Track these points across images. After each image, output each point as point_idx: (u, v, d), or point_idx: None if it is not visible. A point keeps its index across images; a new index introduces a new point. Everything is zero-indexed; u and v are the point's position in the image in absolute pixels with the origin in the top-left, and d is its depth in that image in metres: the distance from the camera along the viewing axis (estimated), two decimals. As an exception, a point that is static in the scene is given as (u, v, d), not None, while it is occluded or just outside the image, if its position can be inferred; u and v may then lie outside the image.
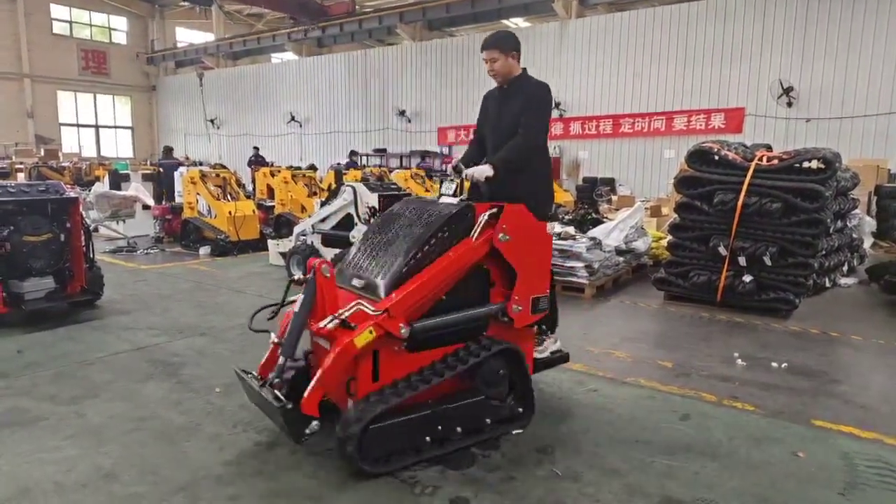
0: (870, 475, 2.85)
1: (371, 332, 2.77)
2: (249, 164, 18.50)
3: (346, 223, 7.13)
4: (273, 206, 11.33)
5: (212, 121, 25.30)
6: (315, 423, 2.76)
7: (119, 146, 28.77)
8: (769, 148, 6.43)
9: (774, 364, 4.38)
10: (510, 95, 3.63)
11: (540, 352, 3.67)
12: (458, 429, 2.97)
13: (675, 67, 15.22)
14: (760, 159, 5.91)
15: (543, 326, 3.72)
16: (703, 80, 14.92)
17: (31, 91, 25.31)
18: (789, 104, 13.78)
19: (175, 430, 3.24)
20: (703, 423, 3.40)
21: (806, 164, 5.82)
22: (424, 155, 19.64)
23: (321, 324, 2.85)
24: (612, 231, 7.16)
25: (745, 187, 5.74)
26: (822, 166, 5.77)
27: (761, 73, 14.04)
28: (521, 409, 3.24)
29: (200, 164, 19.06)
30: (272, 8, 22.48)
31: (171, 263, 8.58)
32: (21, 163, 18.11)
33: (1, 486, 2.68)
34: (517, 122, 3.51)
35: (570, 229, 7.07)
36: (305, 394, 2.75)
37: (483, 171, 3.39)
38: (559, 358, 3.79)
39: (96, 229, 9.63)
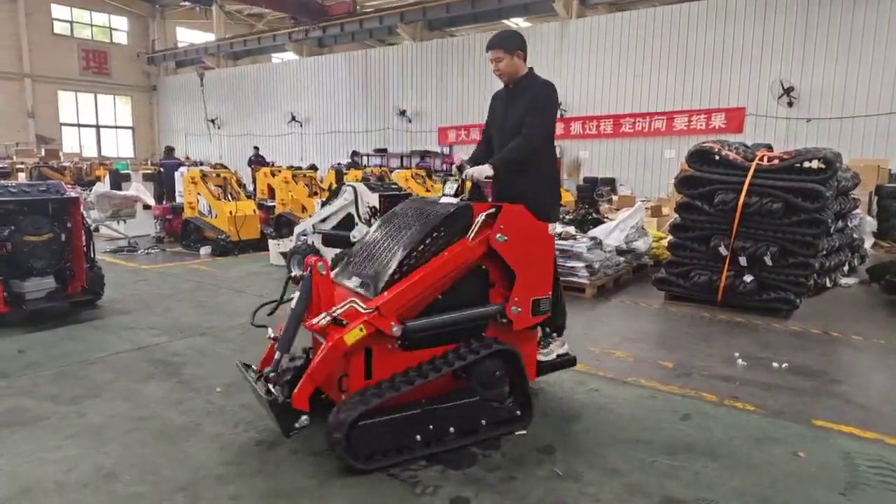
0: (871, 475, 2.85)
1: (361, 329, 2.80)
2: (250, 163, 18.51)
3: (347, 223, 7.13)
4: (274, 206, 11.34)
5: (212, 121, 25.31)
6: (305, 417, 2.80)
7: (120, 146, 28.79)
8: (770, 148, 6.43)
9: (775, 364, 4.38)
10: (516, 95, 3.60)
11: (545, 354, 3.64)
12: (451, 429, 2.97)
13: (676, 67, 15.22)
14: (761, 159, 5.90)
15: (548, 329, 3.68)
16: (703, 80, 14.92)
17: (31, 91, 25.33)
18: (790, 104, 13.77)
19: (176, 430, 3.24)
20: (704, 422, 3.40)
21: (807, 164, 5.82)
22: (424, 155, 19.64)
23: (314, 320, 2.88)
24: (613, 231, 7.16)
25: (745, 187, 5.74)
26: (823, 166, 5.77)
27: (762, 73, 14.04)
28: (519, 412, 3.21)
29: (201, 163, 19.07)
30: (273, 8, 22.49)
31: (172, 263, 8.58)
32: (22, 163, 18.12)
33: (2, 486, 2.69)
34: (522, 121, 3.47)
35: (571, 229, 7.07)
36: (296, 389, 2.80)
37: (483, 170, 3.38)
38: (565, 361, 3.75)
39: (97, 229, 9.63)
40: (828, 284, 6.87)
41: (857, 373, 4.39)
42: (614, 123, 16.38)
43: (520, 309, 3.21)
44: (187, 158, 21.68)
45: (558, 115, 16.27)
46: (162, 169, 14.22)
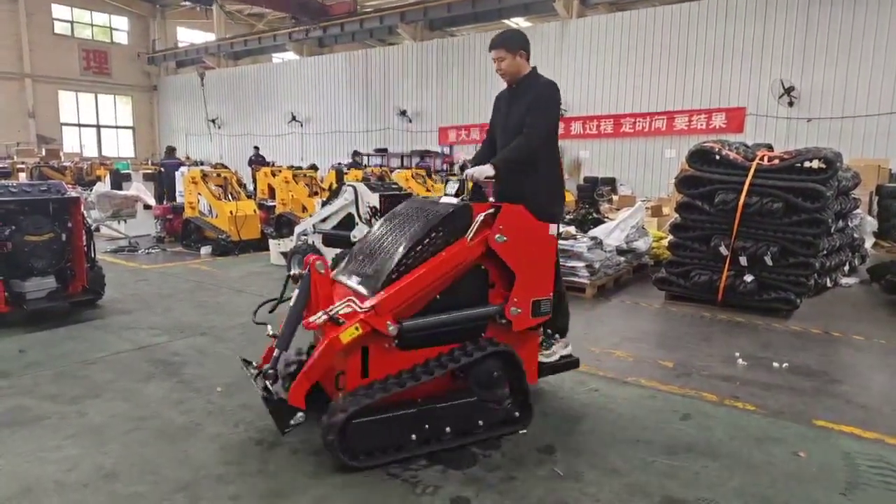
0: (871, 475, 2.85)
1: (357, 328, 2.82)
2: (250, 163, 18.53)
3: (347, 223, 7.13)
4: (274, 206, 11.34)
5: (213, 120, 25.32)
6: (300, 414, 2.83)
7: (120, 146, 28.80)
8: (770, 148, 6.42)
9: (775, 364, 4.38)
10: (518, 95, 3.59)
11: (547, 356, 3.60)
12: (448, 428, 2.97)
13: (677, 67, 15.21)
14: (761, 159, 5.90)
15: (549, 330, 3.65)
16: (704, 80, 14.91)
17: (32, 91, 25.35)
18: (790, 104, 13.76)
19: (176, 430, 3.24)
20: (704, 422, 3.40)
21: (807, 164, 5.82)
22: (423, 154, 19.65)
23: (311, 319, 2.90)
24: (613, 231, 7.16)
25: (746, 187, 5.73)
26: (824, 166, 5.76)
27: (762, 72, 14.02)
28: (518, 413, 3.19)
29: (201, 163, 19.08)
30: (273, 8, 22.48)
31: (173, 263, 8.59)
32: (23, 162, 18.12)
33: (2, 486, 2.69)
34: (524, 121, 3.46)
35: (571, 229, 7.07)
36: (292, 386, 2.83)
37: (483, 170, 3.37)
38: (567, 363, 3.71)
39: (98, 229, 9.64)
40: (828, 284, 6.86)
41: (858, 373, 4.39)
42: (615, 123, 16.38)
43: (519, 310, 3.19)
44: (188, 158, 21.68)
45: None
46: (162, 169, 14.22)
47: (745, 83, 14.31)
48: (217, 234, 9.35)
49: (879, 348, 4.89)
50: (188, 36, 30.11)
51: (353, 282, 3.18)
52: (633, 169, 16.23)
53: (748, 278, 5.81)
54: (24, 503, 2.57)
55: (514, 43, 3.53)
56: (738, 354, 4.55)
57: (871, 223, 8.92)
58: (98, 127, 28.27)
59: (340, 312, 2.86)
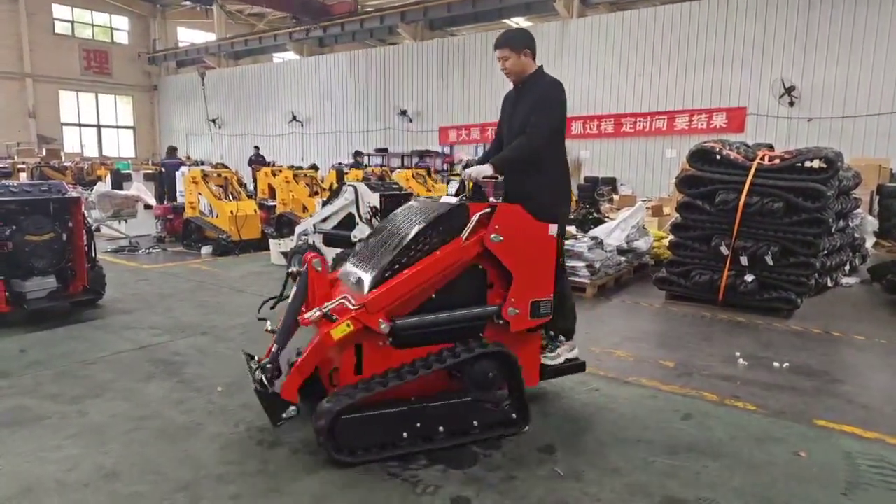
0: (872, 475, 2.84)
1: (349, 325, 2.86)
2: (250, 163, 18.54)
3: (348, 223, 7.12)
4: (274, 206, 11.34)
5: (213, 120, 25.32)
6: (293, 408, 2.90)
7: (121, 146, 28.82)
8: (771, 147, 6.42)
9: (776, 364, 4.38)
10: (523, 94, 3.56)
11: (551, 358, 3.56)
12: (441, 428, 2.97)
13: (677, 67, 15.20)
14: (762, 159, 5.90)
15: (552, 332, 3.61)
16: (704, 80, 14.90)
17: (32, 91, 25.36)
18: (791, 103, 13.75)
19: (177, 430, 3.24)
20: (705, 422, 3.40)
21: (808, 164, 5.82)
22: (423, 154, 19.65)
23: (306, 315, 2.95)
24: (614, 230, 7.16)
25: (746, 187, 5.73)
26: (824, 166, 5.77)
27: (763, 72, 14.01)
28: (514, 415, 3.17)
29: (202, 163, 19.08)
30: (274, 7, 22.49)
31: (173, 263, 8.59)
32: (23, 162, 18.13)
33: (3, 485, 2.69)
34: (528, 121, 3.43)
35: (572, 229, 7.07)
36: (285, 380, 2.90)
37: (482, 170, 3.36)
38: (572, 366, 3.66)
39: (98, 229, 9.64)
40: (829, 284, 6.86)
41: (859, 372, 4.39)
42: (615, 123, 16.37)
43: (517, 310, 3.16)
44: (188, 158, 21.69)
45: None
46: (163, 169, 14.23)
47: (745, 83, 14.30)
48: (217, 233, 9.35)
49: (880, 348, 4.89)
50: (189, 36, 30.13)
51: (352, 280, 3.21)
52: (634, 169, 16.22)
53: (749, 278, 5.80)
54: (25, 503, 2.57)
55: (519, 42, 3.50)
56: (738, 354, 4.55)
57: (872, 223, 8.91)
58: (99, 127, 28.29)
59: (333, 309, 2.91)
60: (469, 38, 19.40)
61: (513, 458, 2.95)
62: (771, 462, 2.96)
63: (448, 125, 19.59)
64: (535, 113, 3.41)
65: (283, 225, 10.22)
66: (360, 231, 6.79)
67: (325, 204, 7.60)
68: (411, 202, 3.70)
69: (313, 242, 7.38)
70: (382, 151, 20.94)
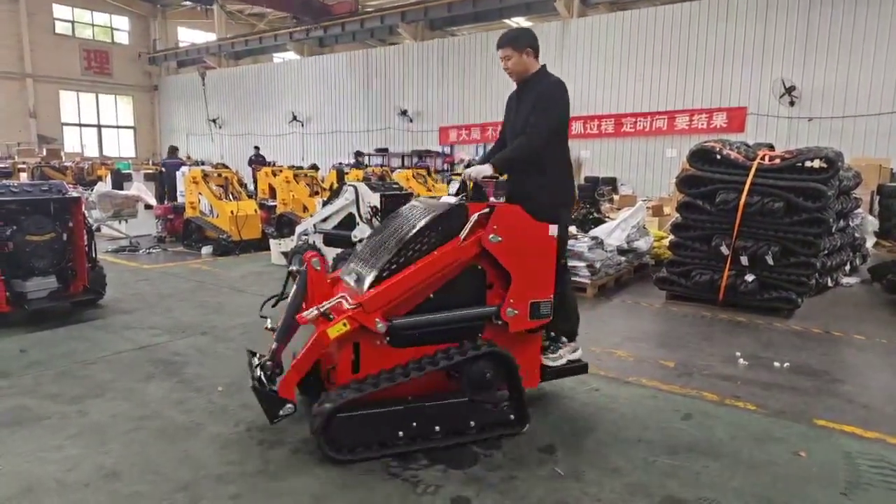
0: (872, 475, 2.84)
1: (345, 324, 2.88)
2: (250, 163, 18.55)
3: (348, 223, 7.13)
4: (275, 206, 11.34)
5: (214, 120, 25.32)
6: (290, 405, 2.93)
7: (121, 146, 28.83)
8: (771, 147, 6.42)
9: (776, 363, 4.38)
10: (525, 94, 3.54)
11: (553, 360, 3.53)
12: (437, 427, 2.97)
13: (677, 67, 15.20)
14: (762, 158, 5.89)
15: (553, 333, 3.58)
16: (705, 80, 14.90)
17: (33, 91, 25.38)
18: (791, 103, 13.75)
19: (177, 430, 3.24)
20: (705, 422, 3.40)
21: (808, 164, 5.82)
22: (422, 154, 19.65)
23: (304, 313, 2.98)
24: (614, 230, 7.16)
25: (747, 186, 5.73)
26: (825, 165, 5.77)
27: (763, 72, 14.01)
28: (513, 416, 3.15)
29: (202, 163, 19.08)
30: (275, 7, 22.49)
31: (173, 263, 8.59)
32: (24, 162, 18.13)
33: (4, 485, 2.69)
34: (528, 121, 3.42)
35: (572, 229, 7.07)
36: (282, 377, 2.94)
37: (481, 170, 3.35)
38: (574, 368, 3.62)
39: (99, 229, 9.64)
40: (829, 284, 6.86)
41: (859, 372, 4.39)
42: (615, 123, 16.37)
43: (516, 311, 3.15)
44: (188, 158, 21.70)
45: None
46: (163, 169, 14.23)
47: (746, 83, 14.30)
48: (218, 233, 9.35)
49: (881, 348, 4.89)
50: (189, 36, 30.13)
51: (352, 279, 3.23)
52: (634, 168, 16.22)
53: (749, 278, 5.80)
54: (25, 503, 2.57)
55: (521, 41, 3.48)
56: (739, 354, 4.54)
57: (873, 223, 8.91)
58: (99, 127, 28.30)
59: (331, 308, 2.93)
60: (469, 38, 19.40)
61: (513, 458, 2.95)
62: (771, 462, 2.96)
63: (448, 125, 19.59)
64: (535, 113, 3.39)
65: (284, 225, 10.22)
66: (361, 231, 6.79)
67: (325, 204, 7.60)
68: (415, 201, 3.70)
69: (314, 242, 7.39)
70: (383, 151, 20.95)
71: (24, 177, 15.91)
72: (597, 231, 7.09)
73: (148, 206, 11.09)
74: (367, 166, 16.86)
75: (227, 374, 4.01)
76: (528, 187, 3.45)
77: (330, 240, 7.26)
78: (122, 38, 28.42)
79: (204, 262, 8.62)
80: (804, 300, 5.82)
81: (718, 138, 7.04)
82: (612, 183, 15.85)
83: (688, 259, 6.24)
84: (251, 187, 15.47)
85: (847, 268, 7.41)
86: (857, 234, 7.74)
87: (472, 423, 3.06)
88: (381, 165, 18.32)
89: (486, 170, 3.36)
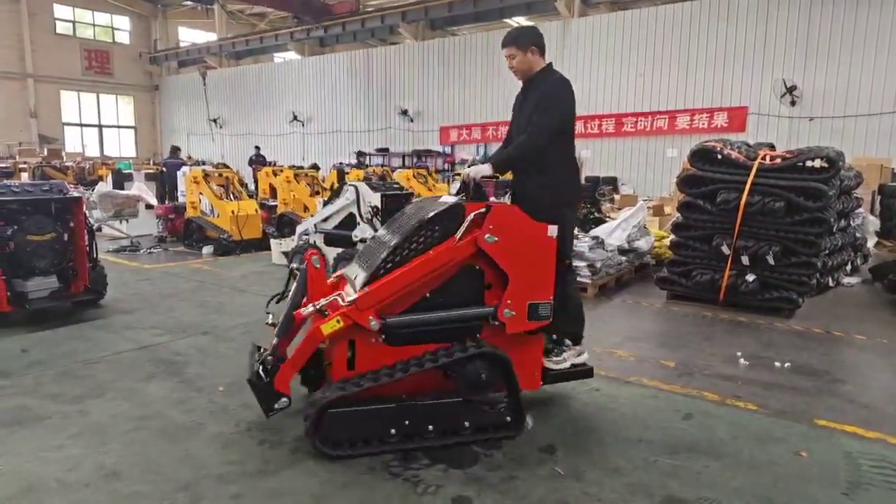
0: (873, 475, 2.84)
1: (338, 321, 2.92)
2: (250, 163, 18.56)
3: (349, 222, 7.13)
4: (276, 206, 11.34)
5: (214, 120, 25.31)
6: (284, 399, 3.01)
7: (122, 146, 28.84)
8: (772, 147, 6.41)
9: (777, 363, 4.37)
10: (530, 93, 3.52)
11: (556, 363, 3.48)
12: (430, 426, 2.98)
13: (678, 66, 15.19)
14: (763, 158, 5.89)
15: (555, 336, 3.54)
16: (705, 79, 14.89)
17: (34, 91, 25.39)
18: (792, 103, 13.74)
19: (178, 429, 3.24)
20: (706, 422, 3.40)
21: (809, 163, 5.81)
22: (422, 154, 19.64)
23: (301, 310, 3.05)
24: (615, 230, 7.15)
25: (748, 186, 5.72)
26: (826, 165, 5.76)
27: (764, 71, 14.00)
28: (509, 418, 3.12)
29: (203, 163, 19.08)
30: (275, 7, 22.50)
31: (174, 263, 8.59)
32: (25, 162, 18.15)
33: (5, 485, 2.69)
34: (531, 120, 3.39)
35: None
36: (278, 372, 3.00)
37: (480, 170, 3.35)
38: (577, 372, 3.56)
39: (99, 229, 9.65)
40: (830, 284, 6.85)
41: (860, 372, 4.38)
42: (616, 122, 16.36)
43: (513, 312, 3.11)
44: (189, 158, 21.70)
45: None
46: (164, 168, 14.24)
47: (746, 82, 14.29)
48: (219, 233, 9.36)
49: (882, 348, 4.88)
50: (190, 36, 30.13)
51: (352, 278, 3.26)
52: (635, 168, 16.21)
53: (750, 278, 5.80)
54: (26, 503, 2.57)
55: (525, 40, 3.46)
56: (739, 354, 4.54)
57: (874, 222, 8.90)
58: (100, 127, 28.31)
59: (327, 305, 2.98)
60: (470, 38, 19.40)
61: (513, 458, 2.95)
62: (772, 462, 2.95)
63: (449, 125, 19.58)
64: (538, 112, 3.36)
65: (284, 225, 10.21)
66: (361, 231, 6.80)
67: (326, 204, 7.60)
68: (419, 201, 3.71)
69: (314, 242, 7.39)
70: (383, 151, 20.95)
71: (25, 177, 15.93)
72: (597, 231, 7.09)
73: (149, 206, 11.10)
74: (367, 166, 16.87)
75: (228, 374, 4.01)
76: (528, 187, 3.44)
77: (331, 239, 7.27)
78: (123, 37, 28.43)
79: (205, 262, 8.62)
80: (805, 300, 5.82)
81: (719, 138, 7.04)
82: (612, 183, 15.82)
83: (689, 259, 6.24)
84: (252, 187, 15.47)
85: (848, 267, 7.40)
86: (858, 234, 7.73)
87: (467, 424, 3.05)
88: (382, 165, 18.33)
89: (485, 169, 3.35)
